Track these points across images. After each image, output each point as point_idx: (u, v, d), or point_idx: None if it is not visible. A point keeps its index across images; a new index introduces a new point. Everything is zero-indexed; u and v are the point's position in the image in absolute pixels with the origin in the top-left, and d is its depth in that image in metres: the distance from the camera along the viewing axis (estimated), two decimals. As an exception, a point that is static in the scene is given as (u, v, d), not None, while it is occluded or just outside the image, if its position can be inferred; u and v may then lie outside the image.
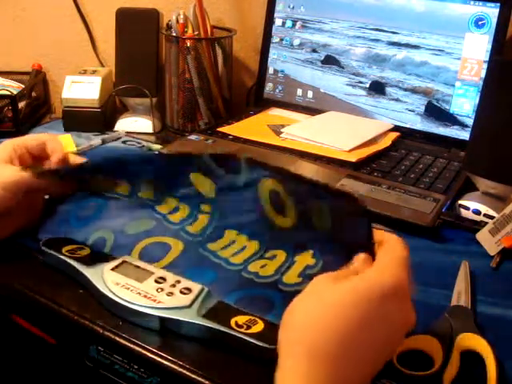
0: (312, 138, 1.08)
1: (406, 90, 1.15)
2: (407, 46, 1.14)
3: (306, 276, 0.66)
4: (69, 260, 0.72)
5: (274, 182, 0.67)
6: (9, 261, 0.76)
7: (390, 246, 0.56)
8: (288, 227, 0.69)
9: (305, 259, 0.67)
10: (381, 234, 0.58)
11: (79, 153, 1.06)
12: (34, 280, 0.72)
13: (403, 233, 0.85)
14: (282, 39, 1.27)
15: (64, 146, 0.92)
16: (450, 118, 1.13)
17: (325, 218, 0.64)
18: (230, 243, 0.73)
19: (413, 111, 1.15)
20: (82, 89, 1.24)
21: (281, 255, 0.69)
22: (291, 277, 0.67)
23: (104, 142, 1.17)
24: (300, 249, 0.68)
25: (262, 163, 0.68)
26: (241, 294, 0.67)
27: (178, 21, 1.20)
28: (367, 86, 1.19)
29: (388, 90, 1.17)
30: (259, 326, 0.62)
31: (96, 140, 1.17)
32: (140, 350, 0.62)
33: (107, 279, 0.68)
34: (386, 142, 1.10)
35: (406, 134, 1.15)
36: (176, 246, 0.74)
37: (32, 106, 1.33)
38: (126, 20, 1.25)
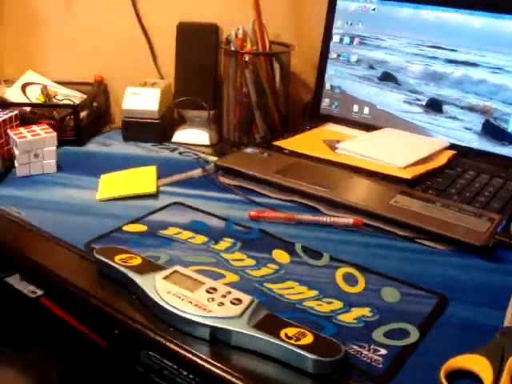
0: (367, 153, 1.08)
1: (463, 108, 1.14)
2: (465, 63, 1.13)
3: (362, 321, 0.69)
4: (121, 268, 0.73)
5: (350, 268, 0.80)
6: (67, 267, 0.78)
7: None
8: (354, 292, 0.75)
9: (362, 311, 0.71)
10: None
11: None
12: (89, 285, 0.74)
13: (456, 252, 0.84)
14: (339, 55, 1.27)
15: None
16: (507, 137, 1.11)
17: (394, 294, 0.74)
18: (289, 288, 0.76)
19: (470, 129, 1.14)
20: (141, 100, 1.27)
21: (338, 304, 0.73)
22: (347, 317, 0.70)
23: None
24: (359, 305, 0.72)
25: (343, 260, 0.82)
26: (291, 315, 0.68)
27: (237, 35, 1.21)
28: (424, 103, 1.18)
29: (445, 107, 1.16)
30: (309, 338, 0.62)
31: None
32: (190, 356, 0.63)
33: (159, 287, 0.69)
34: (441, 160, 1.09)
35: (462, 153, 1.14)
36: (231, 277, 0.78)
37: (93, 115, 1.36)
38: (187, 34, 1.27)
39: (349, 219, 0.91)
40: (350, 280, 0.77)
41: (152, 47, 1.44)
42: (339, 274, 0.79)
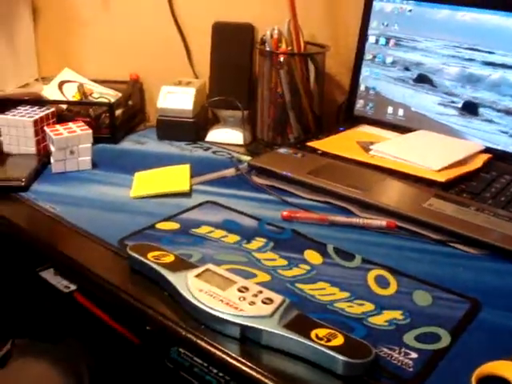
0: (401, 156, 1.07)
1: (499, 111, 1.12)
2: (503, 66, 1.12)
3: (394, 324, 0.69)
4: (154, 265, 0.74)
5: (382, 270, 0.80)
6: (100, 263, 0.79)
7: None
8: (386, 295, 0.75)
9: (393, 314, 0.71)
10: None
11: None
12: (121, 281, 0.75)
13: (490, 256, 0.83)
14: (374, 56, 1.27)
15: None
16: (545, 142, 1.09)
17: (426, 297, 0.74)
18: (320, 289, 0.76)
19: (506, 133, 1.12)
20: (176, 99, 1.28)
21: (369, 306, 0.72)
22: (378, 320, 0.70)
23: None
24: (391, 308, 0.72)
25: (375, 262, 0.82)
26: (322, 316, 0.68)
27: (272, 36, 1.21)
28: (459, 105, 1.17)
29: (481, 110, 1.14)
30: (339, 340, 0.62)
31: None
32: (220, 354, 0.63)
33: (191, 285, 0.69)
34: (476, 164, 1.08)
35: (497, 156, 1.12)
36: (263, 276, 0.78)
37: (128, 113, 1.37)
38: (222, 33, 1.28)
39: (382, 221, 0.91)
40: (382, 282, 0.77)
41: (187, 46, 1.45)
42: (371, 276, 0.78)
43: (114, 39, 1.50)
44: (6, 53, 1.36)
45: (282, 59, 1.20)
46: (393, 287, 0.76)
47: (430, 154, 1.08)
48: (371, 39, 1.26)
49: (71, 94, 1.37)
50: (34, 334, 1.05)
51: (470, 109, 1.16)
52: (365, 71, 1.28)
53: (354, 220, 0.92)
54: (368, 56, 1.27)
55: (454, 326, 0.69)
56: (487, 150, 1.13)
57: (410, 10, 1.21)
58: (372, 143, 1.14)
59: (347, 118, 1.31)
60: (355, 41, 1.28)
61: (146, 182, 1.05)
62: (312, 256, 0.83)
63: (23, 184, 1.02)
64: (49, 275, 1.01)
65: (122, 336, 0.76)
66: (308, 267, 0.80)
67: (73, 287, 0.97)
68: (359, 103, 1.30)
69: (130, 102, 1.40)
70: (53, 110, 1.19)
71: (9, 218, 0.92)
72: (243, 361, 0.62)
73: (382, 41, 1.25)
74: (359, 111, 1.30)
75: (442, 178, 1.00)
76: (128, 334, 0.75)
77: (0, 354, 1.06)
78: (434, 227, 0.89)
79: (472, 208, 0.93)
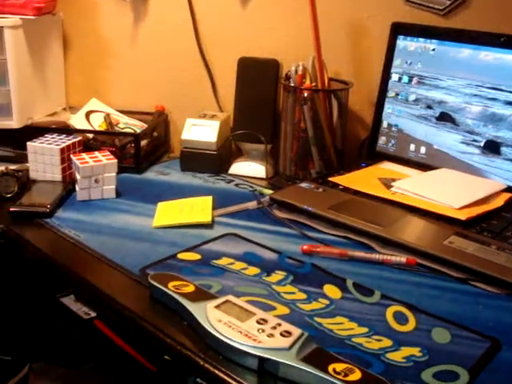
0: (422, 193, 1.07)
1: (522, 151, 1.13)
2: (526, 106, 1.12)
3: (412, 361, 0.69)
4: (174, 295, 0.75)
5: (401, 307, 0.79)
6: (121, 291, 0.80)
7: None
8: (404, 331, 0.74)
9: (411, 351, 0.71)
10: None
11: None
12: (141, 310, 0.75)
13: (511, 296, 0.83)
14: (397, 94, 1.28)
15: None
16: None
17: (445, 335, 0.73)
18: (339, 323, 0.76)
19: (528, 173, 1.12)
20: (200, 131, 1.29)
21: (387, 342, 0.72)
22: (396, 356, 0.70)
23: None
24: (409, 345, 0.72)
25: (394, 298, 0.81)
26: (340, 351, 0.68)
27: (296, 71, 1.23)
28: (481, 144, 1.17)
29: (503, 149, 1.14)
30: (357, 375, 0.62)
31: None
32: (238, 386, 0.63)
33: (210, 316, 0.70)
34: (497, 203, 1.08)
35: (519, 196, 1.12)
36: (282, 309, 0.78)
37: (153, 144, 1.39)
38: (247, 68, 1.30)
39: (402, 258, 0.91)
40: (401, 319, 0.77)
41: (213, 80, 1.47)
42: (390, 312, 0.78)
43: (142, 71, 1.53)
44: (36, 81, 1.39)
45: (305, 95, 1.21)
46: (411, 324, 0.76)
47: (451, 192, 1.08)
48: (394, 77, 1.28)
49: (98, 123, 1.39)
50: (53, 358, 1.06)
51: (492, 148, 1.16)
52: (387, 108, 1.29)
53: (374, 256, 0.92)
54: (391, 93, 1.28)
55: (473, 364, 0.68)
56: (508, 189, 1.12)
57: (434, 49, 1.22)
58: (393, 180, 1.14)
59: (369, 154, 1.32)
60: (378, 78, 1.29)
61: (168, 213, 1.06)
62: (331, 290, 0.83)
63: (48, 210, 1.03)
64: (69, 301, 1.02)
65: (140, 364, 0.76)
66: (327, 301, 0.80)
67: (93, 314, 0.97)
68: (381, 140, 1.30)
69: (155, 133, 1.42)
70: (79, 138, 1.21)
71: (33, 244, 0.94)
72: (260, 393, 0.62)
73: (405, 79, 1.26)
74: (381, 148, 1.30)
75: (463, 216, 1.00)
76: (146, 362, 0.76)
77: (17, 377, 1.06)
78: (454, 265, 0.88)
79: (493, 247, 0.92)
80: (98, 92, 1.54)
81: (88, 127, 1.38)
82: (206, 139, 1.28)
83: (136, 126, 1.40)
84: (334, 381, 0.60)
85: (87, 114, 1.42)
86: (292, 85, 1.23)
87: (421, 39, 1.23)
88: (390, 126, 1.29)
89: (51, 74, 1.46)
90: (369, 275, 0.88)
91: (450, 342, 0.72)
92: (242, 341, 0.65)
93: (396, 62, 1.27)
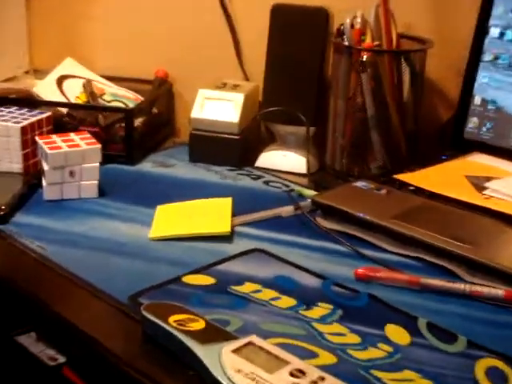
0: (528, 198, 1.07)
1: None
2: None
3: None
4: (177, 333, 0.74)
5: (496, 360, 0.78)
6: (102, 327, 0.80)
7: None
8: None
9: None
10: None
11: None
12: (130, 353, 0.76)
13: None
14: (497, 57, 1.26)
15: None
16: None
17: None
18: (406, 380, 0.75)
19: None
20: (217, 108, 1.29)
21: None
22: None
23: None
24: None
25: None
26: None
27: (353, 25, 1.22)
28: None
29: None
30: None
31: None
32: None
33: (226, 364, 0.70)
34: None
35: None
36: (326, 357, 0.77)
37: (151, 124, 1.39)
38: (283, 21, 1.29)
39: (498, 290, 0.90)
40: (497, 377, 0.76)
41: (236, 37, 1.47)
42: (480, 366, 0.77)
43: (137, 23, 1.53)
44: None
45: (365, 58, 1.21)
46: None
47: None
48: (493, 32, 1.26)
49: (74, 93, 1.40)
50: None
51: None
52: (482, 77, 1.28)
53: (458, 286, 0.91)
54: (488, 56, 1.27)
55: None
56: None
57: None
58: (488, 179, 1.14)
59: (454, 141, 1.31)
60: (470, 34, 1.28)
61: (171, 219, 1.07)
62: (396, 333, 0.82)
63: (2, 213, 1.04)
64: (29, 341, 1.02)
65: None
66: (390, 348, 0.80)
67: (61, 359, 0.98)
68: (472, 122, 1.29)
69: (155, 110, 1.43)
70: (48, 114, 1.22)
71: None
72: None
73: (510, 35, 1.25)
74: (471, 133, 1.29)
75: None
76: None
77: None
78: None
79: None
80: (75, 50, 1.55)
81: (61, 98, 1.38)
82: (224, 119, 1.29)
83: (128, 98, 1.41)
84: None
85: (59, 80, 1.43)
86: (346, 44, 1.23)
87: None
88: (484, 102, 1.28)
89: (8, 25, 1.47)
90: (450, 313, 0.88)
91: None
92: (269, 401, 0.66)
93: (496, 10, 1.25)
